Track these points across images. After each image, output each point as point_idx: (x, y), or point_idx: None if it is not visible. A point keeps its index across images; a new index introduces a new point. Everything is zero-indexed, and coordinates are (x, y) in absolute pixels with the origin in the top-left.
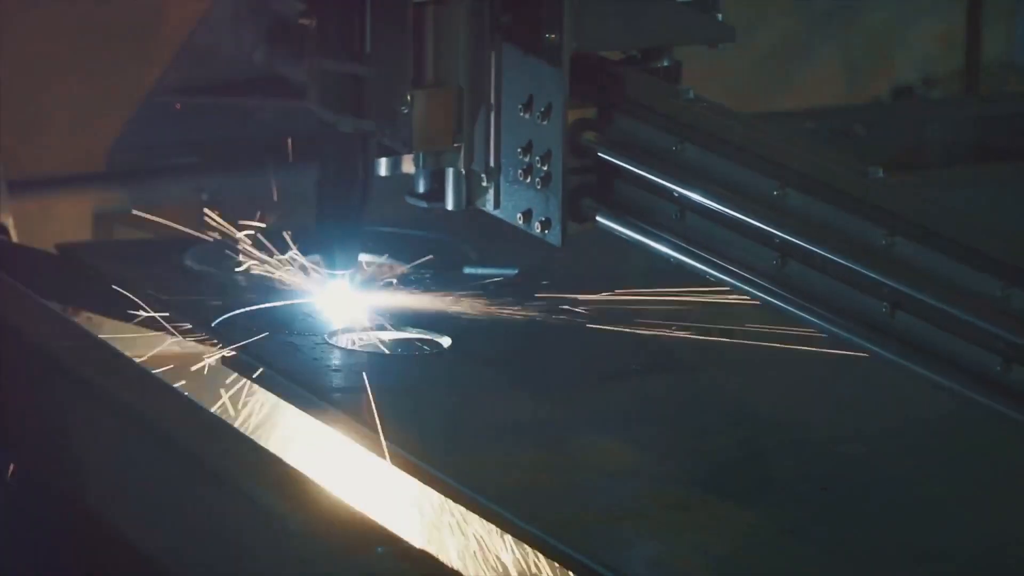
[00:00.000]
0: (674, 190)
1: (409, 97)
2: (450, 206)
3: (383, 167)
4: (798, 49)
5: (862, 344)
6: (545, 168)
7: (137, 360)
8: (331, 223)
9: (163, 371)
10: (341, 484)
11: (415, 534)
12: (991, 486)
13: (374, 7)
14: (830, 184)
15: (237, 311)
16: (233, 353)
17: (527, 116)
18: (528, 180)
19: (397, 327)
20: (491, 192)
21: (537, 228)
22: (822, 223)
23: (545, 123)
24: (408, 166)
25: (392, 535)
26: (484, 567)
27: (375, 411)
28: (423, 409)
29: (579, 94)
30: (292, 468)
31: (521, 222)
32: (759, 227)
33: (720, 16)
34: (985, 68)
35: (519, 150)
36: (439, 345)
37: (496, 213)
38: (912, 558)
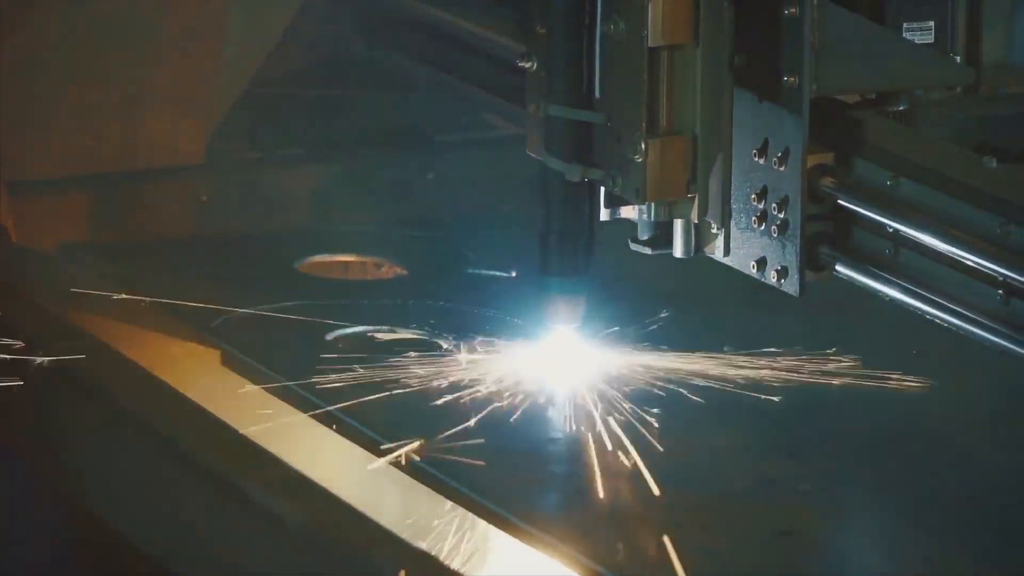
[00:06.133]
0: (917, 238)
1: (643, 145)
2: (679, 254)
3: (604, 213)
4: None
5: None
6: (782, 215)
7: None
8: (556, 276)
9: None
10: (341, 483)
11: (415, 534)
12: None
13: (604, 51)
14: None
15: None
16: None
17: (762, 161)
18: (762, 227)
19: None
20: (721, 239)
21: (772, 277)
22: None
23: (782, 169)
24: (629, 212)
25: (392, 535)
26: (484, 567)
27: None
28: None
29: (815, 138)
30: (292, 468)
31: (754, 271)
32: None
33: (959, 58)
34: (985, 68)
35: (752, 196)
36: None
37: (726, 261)
38: None
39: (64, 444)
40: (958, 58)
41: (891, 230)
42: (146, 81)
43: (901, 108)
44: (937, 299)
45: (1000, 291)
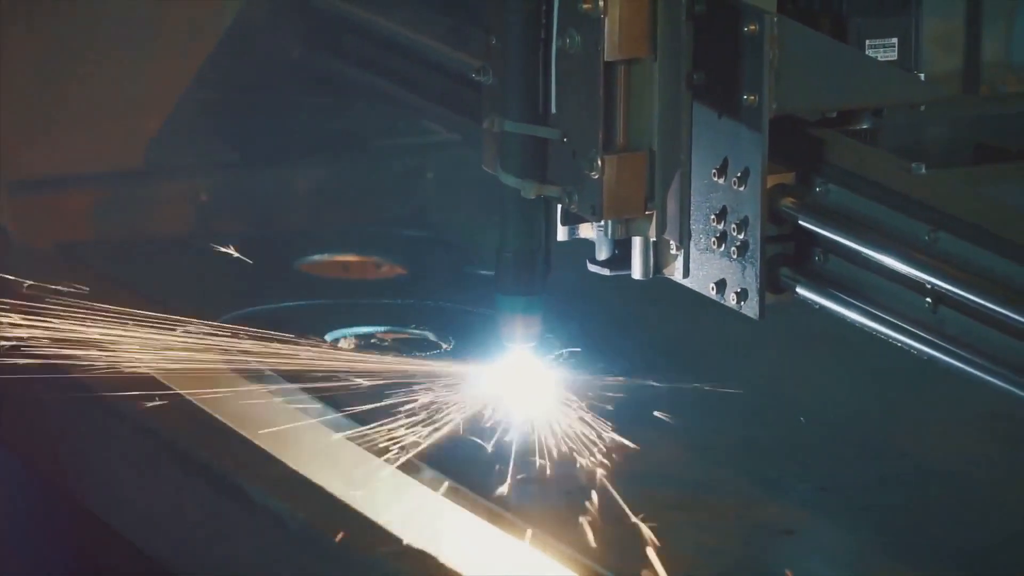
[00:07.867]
0: (878, 260)
1: (599, 162)
2: (637, 275)
3: (561, 231)
4: None
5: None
6: (741, 236)
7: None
8: (512, 295)
9: None
10: (341, 483)
11: (415, 534)
12: None
13: (560, 65)
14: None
15: None
16: None
17: (721, 181)
18: (721, 248)
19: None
20: (680, 260)
21: (732, 300)
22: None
23: (742, 189)
24: (587, 231)
25: (392, 535)
26: (484, 567)
27: None
28: None
29: (775, 157)
30: (292, 468)
31: (714, 293)
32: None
33: (923, 75)
34: (985, 68)
35: (712, 217)
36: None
37: (685, 283)
38: None
39: (64, 444)
40: (922, 75)
41: (856, 253)
42: (147, 81)
43: (864, 127)
44: (869, 308)
45: (928, 299)
